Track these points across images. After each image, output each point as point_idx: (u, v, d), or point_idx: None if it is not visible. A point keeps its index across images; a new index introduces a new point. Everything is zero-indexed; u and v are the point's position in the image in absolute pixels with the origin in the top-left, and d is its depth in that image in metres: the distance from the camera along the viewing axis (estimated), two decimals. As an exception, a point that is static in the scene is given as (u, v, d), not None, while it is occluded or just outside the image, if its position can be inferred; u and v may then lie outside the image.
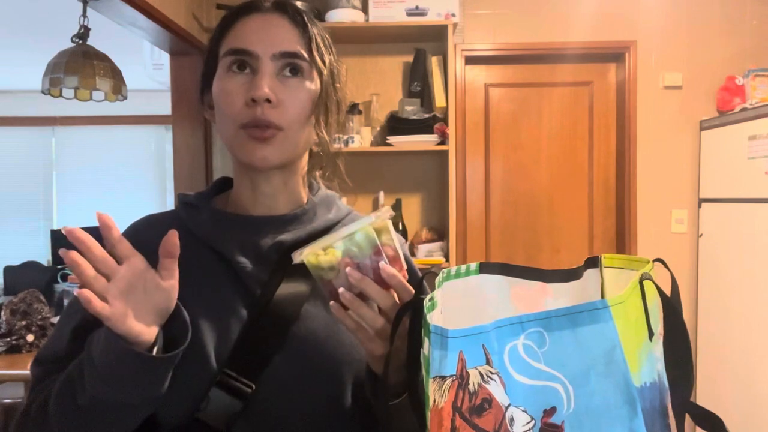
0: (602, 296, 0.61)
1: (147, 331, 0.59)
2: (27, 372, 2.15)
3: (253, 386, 0.67)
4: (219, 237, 0.74)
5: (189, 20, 2.57)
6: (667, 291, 0.56)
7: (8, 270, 4.74)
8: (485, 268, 0.65)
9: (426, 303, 0.51)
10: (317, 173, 0.85)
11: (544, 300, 0.65)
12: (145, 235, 0.77)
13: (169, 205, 5.31)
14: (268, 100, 0.69)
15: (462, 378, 0.47)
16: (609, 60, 2.96)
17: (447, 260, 2.63)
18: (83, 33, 2.45)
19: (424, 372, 0.49)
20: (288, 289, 0.72)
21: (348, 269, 0.59)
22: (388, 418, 0.61)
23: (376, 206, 2.80)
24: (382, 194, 2.76)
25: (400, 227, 2.74)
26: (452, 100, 2.63)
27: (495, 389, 0.47)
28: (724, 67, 2.84)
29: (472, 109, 2.97)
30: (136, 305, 0.59)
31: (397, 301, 0.60)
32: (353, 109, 2.66)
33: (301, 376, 0.70)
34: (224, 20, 0.76)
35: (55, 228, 5.31)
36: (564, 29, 2.86)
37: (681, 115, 2.89)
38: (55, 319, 2.47)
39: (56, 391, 0.64)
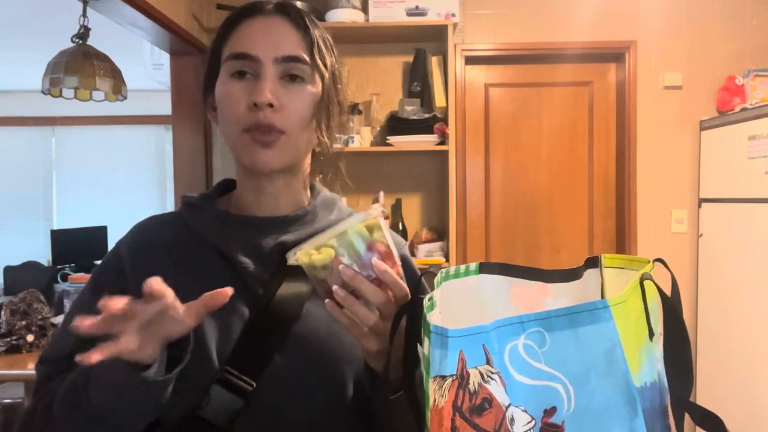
0: (602, 296, 0.61)
1: (149, 355, 0.60)
2: (27, 372, 2.15)
3: (254, 384, 0.68)
4: (222, 237, 0.75)
5: (189, 20, 2.57)
6: (668, 291, 0.56)
7: (8, 270, 4.74)
8: (485, 268, 0.65)
9: (425, 303, 0.51)
10: (318, 177, 0.85)
11: (544, 300, 0.65)
12: (150, 236, 0.78)
13: (169, 205, 5.31)
14: (271, 105, 0.70)
15: (462, 378, 0.47)
16: (609, 60, 2.97)
17: (447, 260, 2.63)
18: (83, 33, 2.45)
19: (424, 372, 0.49)
20: (289, 288, 0.73)
21: (341, 267, 0.59)
22: (387, 413, 0.61)
23: (376, 206, 2.80)
24: (382, 194, 2.76)
25: (400, 227, 2.74)
26: (452, 100, 2.63)
27: (495, 389, 0.47)
28: (724, 67, 2.84)
29: (472, 109, 2.97)
30: (148, 336, 0.59)
31: (391, 298, 0.60)
32: (353, 109, 2.66)
33: (302, 374, 0.71)
34: (227, 22, 0.76)
35: (55, 228, 5.30)
36: (564, 29, 2.86)
37: (681, 115, 2.89)
38: (56, 319, 2.47)
39: (61, 397, 0.65)
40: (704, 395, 2.75)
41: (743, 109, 2.58)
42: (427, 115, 2.63)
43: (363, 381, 0.68)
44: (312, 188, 0.84)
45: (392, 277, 0.59)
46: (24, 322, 2.37)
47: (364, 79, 2.83)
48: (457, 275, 0.64)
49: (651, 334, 0.53)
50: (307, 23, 0.75)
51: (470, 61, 2.91)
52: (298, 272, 0.73)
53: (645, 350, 0.52)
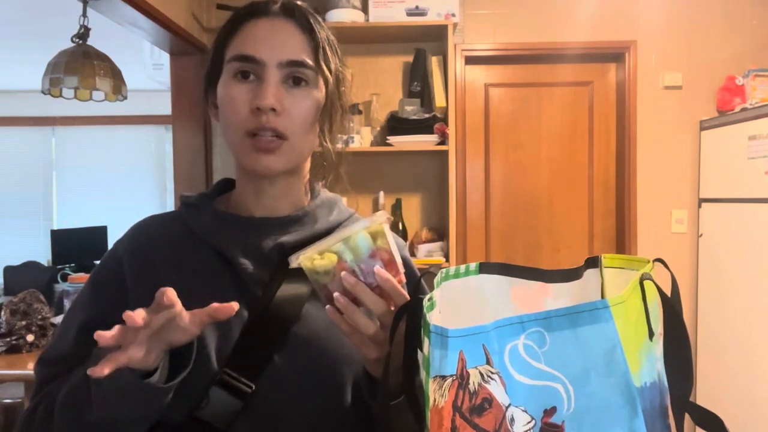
0: (602, 296, 0.61)
1: (155, 362, 0.60)
2: (27, 372, 2.15)
3: (253, 386, 0.67)
4: (221, 238, 0.75)
5: (189, 20, 2.57)
6: (667, 291, 0.56)
7: (8, 270, 4.73)
8: (485, 268, 0.65)
9: (425, 303, 0.51)
10: (320, 183, 0.85)
11: (544, 300, 0.65)
12: (148, 236, 0.78)
13: (169, 205, 5.31)
14: (273, 109, 0.69)
15: (462, 378, 0.47)
16: (609, 60, 2.96)
17: (447, 260, 2.63)
18: (83, 33, 2.45)
19: (424, 372, 0.49)
20: (289, 290, 0.72)
21: (343, 274, 0.59)
22: (387, 419, 0.61)
23: (376, 206, 2.80)
24: (382, 194, 2.76)
25: (400, 227, 2.74)
26: (452, 100, 2.63)
27: (495, 389, 0.47)
28: (724, 67, 2.84)
29: (472, 109, 2.97)
30: (155, 344, 0.59)
31: (392, 307, 0.59)
32: (353, 109, 2.66)
33: (301, 376, 0.70)
34: (231, 21, 0.76)
35: (55, 228, 5.30)
36: (564, 29, 2.86)
37: (681, 115, 2.89)
38: (56, 319, 2.47)
39: (60, 403, 0.65)
40: (704, 395, 2.75)
41: (743, 109, 2.58)
42: (427, 115, 2.63)
43: (361, 386, 0.68)
44: (311, 189, 0.84)
45: (394, 286, 0.59)
46: (24, 322, 2.37)
47: (364, 79, 2.83)
48: (457, 275, 0.64)
49: (651, 334, 0.53)
50: (313, 26, 0.74)
51: (470, 61, 2.91)
52: (297, 273, 0.72)
53: (645, 350, 0.52)
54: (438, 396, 0.47)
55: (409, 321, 0.55)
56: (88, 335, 0.72)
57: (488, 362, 0.47)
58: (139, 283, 0.73)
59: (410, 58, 2.80)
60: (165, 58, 3.15)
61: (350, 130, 2.65)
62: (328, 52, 0.75)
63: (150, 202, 5.67)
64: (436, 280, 0.60)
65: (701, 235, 2.84)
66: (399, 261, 0.61)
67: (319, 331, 0.72)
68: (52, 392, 0.68)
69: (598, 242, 2.98)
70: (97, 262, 0.81)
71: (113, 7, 2.05)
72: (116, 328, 0.56)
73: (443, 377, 0.47)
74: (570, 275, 0.65)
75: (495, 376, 0.47)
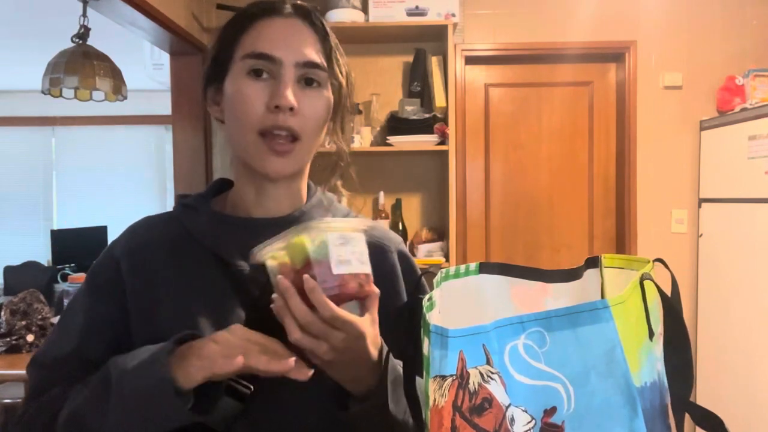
0: (602, 296, 0.61)
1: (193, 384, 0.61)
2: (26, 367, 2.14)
3: (252, 387, 0.67)
4: (218, 240, 0.74)
5: (189, 20, 2.57)
6: (668, 291, 0.56)
7: (8, 270, 4.73)
8: (485, 268, 0.65)
9: (425, 303, 0.51)
10: (339, 183, 0.86)
11: (544, 300, 0.65)
12: (144, 237, 0.77)
13: (169, 205, 5.30)
14: (291, 108, 0.69)
15: (462, 378, 0.47)
16: (609, 60, 2.96)
17: (447, 260, 2.63)
18: (83, 33, 2.45)
19: (424, 372, 0.49)
20: None
21: (278, 277, 0.59)
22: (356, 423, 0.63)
23: (376, 206, 2.80)
24: (382, 194, 2.76)
25: (400, 227, 2.74)
26: (452, 100, 2.63)
27: (495, 389, 0.47)
28: (724, 67, 2.84)
29: (472, 109, 2.97)
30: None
31: (316, 320, 0.58)
32: (353, 109, 2.66)
33: None
34: (242, 18, 0.75)
35: (55, 228, 5.30)
36: (564, 29, 2.86)
37: (681, 115, 2.89)
38: (56, 319, 2.47)
39: (65, 422, 0.64)
40: (704, 395, 2.75)
41: (743, 109, 2.58)
42: (427, 115, 2.63)
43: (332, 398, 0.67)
44: (308, 188, 0.84)
45: (317, 299, 0.57)
46: (24, 322, 2.37)
47: (364, 79, 2.83)
48: (457, 275, 0.64)
49: (651, 334, 0.53)
50: (326, 29, 0.75)
51: (470, 61, 2.91)
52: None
53: (645, 350, 0.52)
54: (438, 396, 0.47)
55: (408, 321, 0.55)
56: (87, 339, 0.72)
57: (488, 362, 0.47)
58: (137, 284, 0.73)
59: (410, 58, 2.80)
60: (165, 58, 3.14)
61: (350, 129, 2.64)
62: (339, 56, 0.76)
63: (150, 202, 5.67)
64: (436, 279, 0.60)
65: (701, 235, 2.84)
66: (366, 271, 0.60)
67: None
68: (51, 402, 0.67)
69: (598, 242, 2.98)
70: (97, 262, 0.80)
71: (113, 7, 2.05)
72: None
73: (443, 377, 0.47)
74: (570, 275, 0.65)
75: (495, 376, 0.47)
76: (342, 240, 0.60)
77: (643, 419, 0.48)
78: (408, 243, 2.75)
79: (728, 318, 2.64)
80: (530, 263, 0.69)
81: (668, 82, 2.88)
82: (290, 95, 0.69)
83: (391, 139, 2.63)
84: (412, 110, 2.67)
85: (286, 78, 0.70)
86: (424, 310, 0.51)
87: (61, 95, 2.46)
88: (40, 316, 2.41)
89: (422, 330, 0.50)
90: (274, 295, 0.59)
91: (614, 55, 2.93)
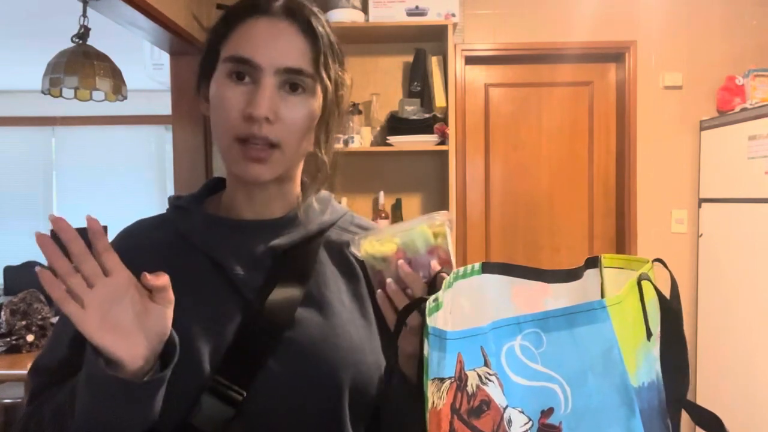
0: (602, 296, 0.61)
1: (133, 355, 0.58)
2: (27, 372, 2.15)
3: (245, 393, 0.66)
4: (212, 243, 0.73)
5: (189, 20, 2.57)
6: (667, 291, 0.56)
7: (8, 270, 4.73)
8: (487, 267, 0.65)
9: (430, 304, 0.51)
10: (313, 199, 0.82)
11: (544, 300, 0.65)
12: (137, 240, 0.76)
13: (169, 205, 5.30)
14: (267, 118, 0.67)
15: (460, 380, 0.47)
16: (609, 60, 2.96)
17: (447, 260, 2.62)
18: (83, 33, 2.45)
19: (423, 374, 0.49)
20: (281, 294, 0.70)
21: (399, 261, 0.61)
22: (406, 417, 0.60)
23: (376, 206, 2.80)
24: (382, 194, 2.76)
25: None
26: (452, 100, 2.63)
27: (493, 391, 0.47)
28: (724, 67, 2.84)
29: (472, 109, 2.97)
30: (118, 323, 0.57)
31: None
32: (353, 109, 2.66)
33: (295, 381, 0.68)
34: (229, 17, 0.72)
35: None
36: (564, 29, 2.86)
37: (681, 115, 2.89)
38: (55, 319, 2.47)
39: (49, 419, 0.64)
40: (704, 395, 2.75)
41: (743, 109, 2.58)
42: (427, 115, 2.63)
43: (392, 383, 0.64)
44: (303, 187, 0.81)
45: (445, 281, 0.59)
46: (24, 322, 2.37)
47: (364, 79, 2.83)
48: (464, 276, 0.64)
49: (649, 335, 0.53)
50: (316, 30, 0.71)
51: (470, 61, 2.91)
52: (289, 277, 0.71)
53: (642, 350, 0.52)
54: (436, 398, 0.47)
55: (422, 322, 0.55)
56: (80, 345, 0.71)
57: (486, 364, 0.47)
58: None
59: (410, 58, 2.80)
60: (165, 58, 3.14)
61: (350, 130, 2.65)
62: (329, 59, 0.72)
63: (150, 202, 5.66)
64: (446, 281, 0.60)
65: (701, 235, 2.84)
66: (454, 264, 0.63)
67: (314, 335, 0.70)
68: (42, 407, 0.67)
69: (598, 242, 2.98)
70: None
71: (113, 7, 2.04)
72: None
73: (441, 379, 0.47)
74: (570, 275, 0.65)
75: (493, 378, 0.47)
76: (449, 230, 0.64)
77: (640, 419, 0.48)
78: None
79: (728, 318, 2.64)
80: (530, 263, 0.68)
81: (668, 82, 2.88)
82: (264, 105, 0.66)
83: (391, 139, 2.63)
84: (412, 110, 2.67)
85: (264, 85, 0.67)
86: (428, 312, 0.50)
87: (61, 95, 2.46)
88: (40, 316, 2.41)
89: (422, 332, 0.50)
90: (389, 281, 0.61)
91: (614, 55, 2.93)
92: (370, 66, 2.87)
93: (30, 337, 2.36)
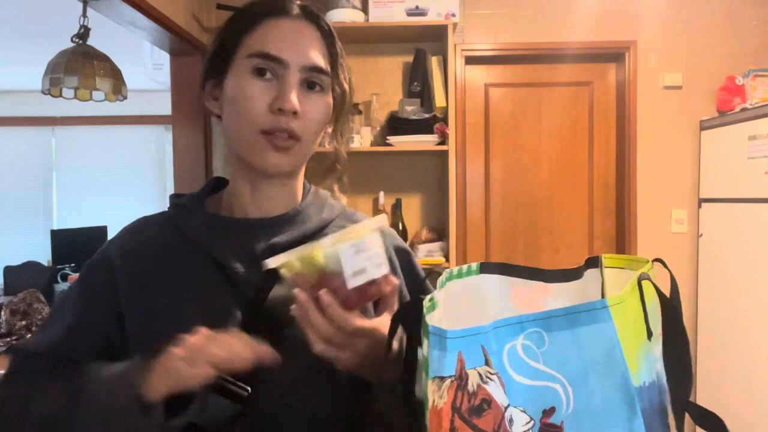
0: (603, 296, 0.61)
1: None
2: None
3: (249, 389, 0.66)
4: (212, 241, 0.74)
5: (189, 20, 2.57)
6: (667, 291, 0.56)
7: (8, 270, 4.73)
8: (486, 268, 0.65)
9: (426, 303, 0.51)
10: (335, 186, 0.87)
11: (544, 300, 0.65)
12: (139, 238, 0.77)
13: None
14: (295, 112, 0.70)
15: (461, 379, 0.47)
16: (609, 60, 2.96)
17: (447, 260, 2.63)
18: (83, 33, 2.45)
19: (423, 373, 0.49)
20: (281, 291, 0.71)
21: (295, 290, 0.60)
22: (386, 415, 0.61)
23: (376, 206, 2.80)
24: (382, 194, 2.76)
25: (400, 227, 2.74)
26: (452, 100, 2.63)
27: (494, 390, 0.47)
28: (724, 67, 2.84)
29: (472, 109, 2.97)
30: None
31: (333, 335, 0.59)
32: (353, 109, 2.66)
33: (296, 378, 0.69)
34: (249, 15, 0.74)
35: (55, 228, 5.30)
36: (564, 29, 2.86)
37: (681, 115, 2.89)
38: (55, 319, 2.47)
39: (40, 423, 0.65)
40: (704, 395, 2.75)
41: (743, 109, 2.58)
42: (427, 115, 2.63)
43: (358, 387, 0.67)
44: (303, 187, 0.84)
45: (335, 315, 0.58)
46: (24, 322, 2.37)
47: (364, 79, 2.83)
48: (459, 275, 0.64)
49: (650, 334, 0.53)
50: (333, 34, 0.76)
51: (470, 61, 2.91)
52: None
53: (644, 350, 0.52)
54: (437, 397, 0.46)
55: (407, 323, 0.55)
56: (74, 337, 0.72)
57: (487, 363, 0.47)
58: (132, 287, 0.73)
59: (410, 58, 2.80)
60: (165, 58, 3.14)
61: (350, 130, 2.65)
62: (343, 61, 0.77)
63: (150, 202, 5.66)
64: (440, 280, 0.60)
65: (701, 235, 2.84)
66: (383, 271, 0.60)
67: None
68: (30, 395, 0.67)
69: (598, 242, 2.98)
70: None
71: (113, 7, 2.04)
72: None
73: (442, 378, 0.47)
74: (570, 275, 0.65)
75: (494, 377, 0.47)
76: (355, 249, 0.60)
77: (642, 419, 0.48)
78: (408, 243, 2.75)
79: (728, 318, 2.64)
80: (530, 263, 0.68)
81: (668, 82, 2.88)
82: (294, 99, 0.70)
83: (391, 139, 2.63)
84: (412, 110, 2.67)
85: (291, 81, 0.71)
86: (425, 311, 0.51)
87: (61, 95, 2.46)
88: (40, 316, 2.41)
89: (421, 331, 0.50)
90: (293, 306, 0.60)
91: (614, 55, 2.93)
92: (370, 66, 2.87)
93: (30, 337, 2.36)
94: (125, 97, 2.55)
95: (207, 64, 0.77)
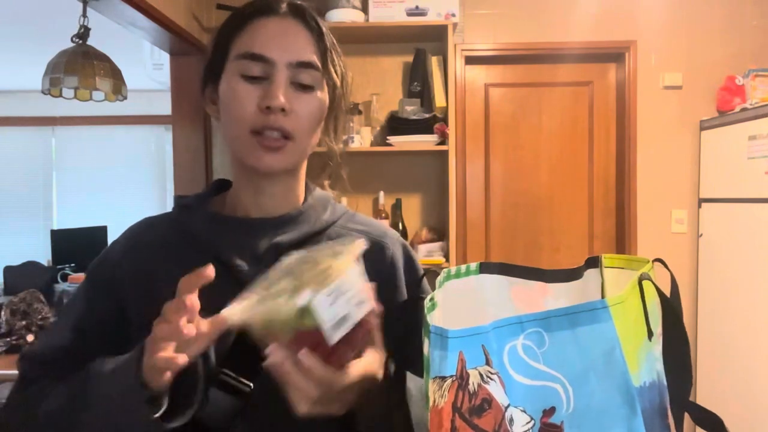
0: (602, 296, 0.61)
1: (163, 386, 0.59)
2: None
3: (251, 385, 0.67)
4: (216, 240, 0.75)
5: (189, 20, 2.57)
6: (667, 291, 0.56)
7: (8, 270, 4.73)
8: (485, 268, 0.65)
9: (426, 303, 0.51)
10: (326, 182, 0.86)
11: (544, 300, 0.65)
12: (144, 238, 0.78)
13: (169, 205, 5.29)
14: (283, 109, 0.70)
15: (462, 378, 0.47)
16: (609, 60, 2.96)
17: (447, 260, 2.63)
18: (83, 33, 2.45)
19: (424, 372, 0.49)
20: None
21: (271, 347, 0.53)
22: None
23: (376, 206, 2.80)
24: (382, 194, 2.76)
25: (400, 227, 2.74)
26: (452, 100, 2.63)
27: (495, 389, 0.47)
28: (724, 67, 2.84)
29: (472, 109, 2.97)
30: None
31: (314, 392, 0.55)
32: (353, 109, 2.66)
33: None
34: (237, 17, 0.75)
35: (55, 228, 5.30)
36: (564, 29, 2.86)
37: (681, 115, 2.89)
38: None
39: (44, 421, 0.65)
40: (704, 395, 2.75)
41: (743, 109, 2.58)
42: (427, 115, 2.63)
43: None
44: (306, 186, 0.84)
45: (325, 377, 0.54)
46: (24, 322, 2.37)
47: (364, 79, 2.83)
48: (458, 275, 0.64)
49: (650, 334, 0.53)
50: (321, 29, 0.75)
51: (470, 61, 2.91)
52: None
53: (644, 350, 0.52)
54: (438, 397, 0.47)
55: (409, 321, 0.55)
56: (81, 339, 0.72)
57: (488, 363, 0.47)
58: (136, 287, 0.73)
59: (410, 58, 2.80)
60: (165, 58, 3.14)
61: (350, 130, 2.65)
62: (335, 56, 0.76)
63: (150, 202, 5.67)
64: (438, 280, 0.60)
65: (701, 235, 2.84)
66: (361, 314, 0.54)
67: None
68: (37, 397, 0.67)
69: (598, 242, 2.98)
70: (97, 262, 0.80)
71: (113, 7, 2.04)
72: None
73: (443, 378, 0.47)
74: (570, 275, 0.65)
75: (494, 377, 0.47)
76: (333, 295, 0.52)
77: (642, 419, 0.48)
78: (408, 243, 2.75)
79: (728, 318, 2.64)
80: (530, 263, 0.68)
81: (668, 82, 2.88)
82: (281, 96, 0.70)
83: (391, 139, 2.63)
84: (412, 110, 2.67)
85: (278, 79, 0.71)
86: (426, 310, 0.51)
87: (61, 95, 2.46)
88: (40, 316, 2.41)
89: (423, 331, 0.50)
90: (266, 364, 0.54)
91: (614, 55, 2.93)
92: (370, 66, 2.87)
93: (30, 337, 2.36)
94: (125, 97, 2.55)
95: (204, 70, 0.78)
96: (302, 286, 0.53)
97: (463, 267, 0.64)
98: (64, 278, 4.21)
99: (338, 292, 0.52)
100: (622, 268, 0.63)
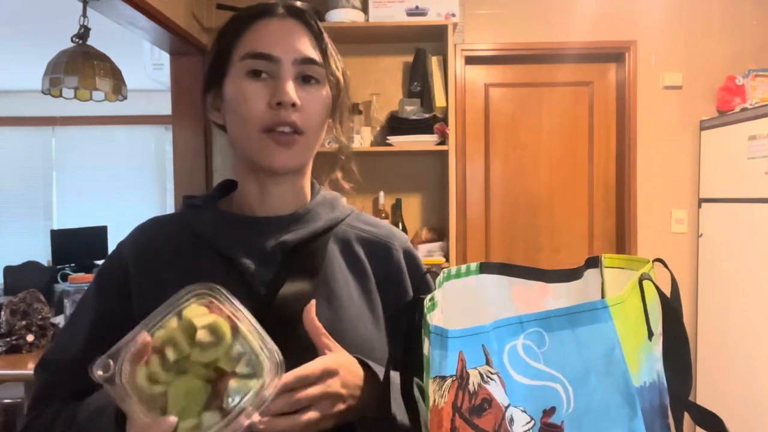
0: (602, 296, 0.61)
1: None
2: (27, 372, 2.14)
3: None
4: (223, 238, 0.75)
5: (189, 20, 2.57)
6: (667, 291, 0.56)
7: (8, 270, 4.72)
8: (485, 268, 0.65)
9: (426, 303, 0.51)
10: (339, 175, 0.88)
11: (544, 300, 0.65)
12: (151, 238, 0.78)
13: (169, 205, 5.31)
14: (293, 104, 0.71)
15: (462, 378, 0.47)
16: (609, 60, 2.96)
17: (447, 260, 2.63)
18: (83, 33, 2.45)
19: (424, 372, 0.49)
20: (292, 288, 0.72)
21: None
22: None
23: (376, 206, 2.80)
24: (382, 194, 2.76)
25: (400, 227, 2.74)
26: (452, 100, 2.63)
27: (495, 389, 0.47)
28: (724, 67, 2.84)
29: (472, 109, 2.97)
30: None
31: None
32: (353, 109, 2.66)
33: None
34: (238, 21, 0.76)
35: (55, 228, 5.30)
36: (564, 29, 2.86)
37: (681, 115, 2.89)
38: (56, 319, 2.47)
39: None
40: (704, 395, 2.75)
41: (743, 109, 2.58)
42: (427, 115, 2.63)
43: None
44: (312, 186, 0.84)
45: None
46: (24, 322, 2.37)
47: (364, 79, 2.83)
48: (458, 275, 0.64)
49: (650, 334, 0.53)
50: (320, 28, 0.77)
51: (470, 61, 2.91)
52: (299, 272, 0.73)
53: (644, 350, 0.52)
54: (438, 396, 0.47)
55: (407, 322, 0.55)
56: (96, 339, 0.72)
57: (488, 363, 0.47)
58: (145, 286, 0.73)
59: (410, 58, 2.80)
60: (165, 58, 3.15)
61: (350, 130, 2.65)
62: (334, 54, 0.78)
63: (150, 202, 5.67)
64: (438, 280, 0.60)
65: (701, 235, 2.84)
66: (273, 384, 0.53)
67: (324, 329, 0.72)
68: (48, 424, 0.68)
69: (598, 242, 2.98)
70: (98, 262, 0.80)
71: (113, 7, 2.05)
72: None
73: (443, 378, 0.47)
74: (570, 275, 0.65)
75: (494, 377, 0.47)
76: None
77: (642, 419, 0.48)
78: (408, 243, 2.75)
79: (728, 318, 2.64)
80: (530, 263, 0.68)
81: (668, 82, 2.88)
82: (291, 91, 0.71)
83: (391, 139, 2.63)
84: (412, 110, 2.67)
85: (285, 75, 0.72)
86: (425, 310, 0.51)
87: (61, 95, 2.46)
88: (40, 316, 2.40)
89: (423, 330, 0.50)
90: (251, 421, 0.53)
91: (614, 55, 2.93)
92: (370, 66, 2.87)
93: (30, 337, 2.36)
94: (125, 97, 2.55)
95: (205, 76, 0.78)
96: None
97: (463, 267, 0.64)
98: (64, 278, 4.21)
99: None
100: (622, 268, 0.63)
